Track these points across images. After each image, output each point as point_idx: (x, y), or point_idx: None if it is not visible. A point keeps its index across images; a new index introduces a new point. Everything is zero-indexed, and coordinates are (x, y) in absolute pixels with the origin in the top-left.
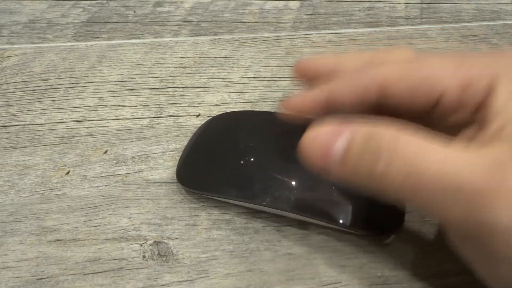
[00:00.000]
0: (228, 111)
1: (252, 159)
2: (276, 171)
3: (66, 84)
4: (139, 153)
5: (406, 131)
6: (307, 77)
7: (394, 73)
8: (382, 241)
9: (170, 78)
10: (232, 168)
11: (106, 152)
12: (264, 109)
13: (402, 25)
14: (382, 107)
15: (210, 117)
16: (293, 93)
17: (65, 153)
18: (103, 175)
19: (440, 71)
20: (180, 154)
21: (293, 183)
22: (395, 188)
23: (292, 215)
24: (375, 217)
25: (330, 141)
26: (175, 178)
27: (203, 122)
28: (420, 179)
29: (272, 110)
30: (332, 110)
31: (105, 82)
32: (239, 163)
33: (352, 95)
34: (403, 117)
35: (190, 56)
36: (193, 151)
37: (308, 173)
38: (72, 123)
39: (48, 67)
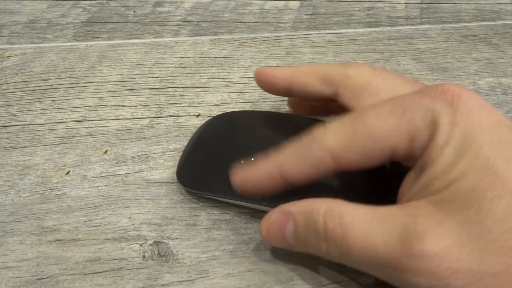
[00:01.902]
0: (228, 111)
1: (252, 159)
2: None
3: (66, 84)
4: (139, 153)
5: (336, 208)
6: (265, 87)
7: (339, 146)
8: None
9: (170, 78)
10: (233, 168)
11: (106, 152)
12: (264, 109)
13: (402, 25)
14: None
15: (210, 117)
16: (243, 166)
17: (65, 153)
18: (103, 175)
19: (383, 131)
20: (180, 154)
21: None
22: (340, 261)
23: None
24: None
25: (281, 228)
26: (175, 178)
27: (203, 122)
28: (351, 255)
29: (272, 110)
30: (291, 184)
31: (105, 82)
32: (239, 163)
33: (308, 169)
34: None
35: (190, 56)
36: (193, 151)
37: None
38: (72, 123)
39: (48, 67)
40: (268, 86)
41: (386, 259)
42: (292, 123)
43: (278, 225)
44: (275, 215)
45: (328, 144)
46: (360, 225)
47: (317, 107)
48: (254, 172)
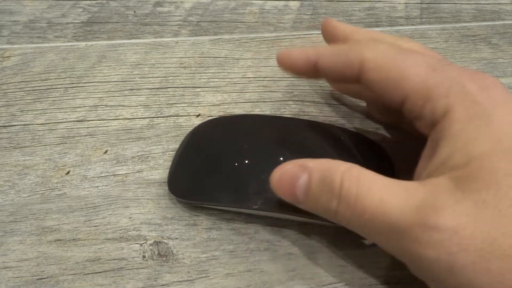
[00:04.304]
0: (228, 111)
1: (241, 164)
2: (267, 174)
3: (66, 84)
4: (139, 153)
5: (356, 170)
6: (327, 36)
7: (373, 59)
8: None
9: (170, 78)
10: (224, 174)
11: (106, 152)
12: (264, 109)
13: (402, 25)
14: (362, 90)
15: (195, 125)
16: (290, 47)
17: (65, 153)
18: (103, 175)
19: (411, 75)
20: None
21: None
22: (346, 223)
23: (291, 217)
24: None
25: (293, 180)
26: None
27: (203, 122)
28: (361, 218)
29: (272, 110)
30: (320, 75)
31: (105, 82)
32: (229, 169)
33: (338, 65)
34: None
35: (190, 56)
36: (182, 161)
37: None
38: (72, 123)
39: (48, 67)
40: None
41: (398, 226)
42: (280, 124)
43: (291, 175)
44: (291, 166)
45: (365, 53)
46: (377, 189)
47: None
48: (297, 52)
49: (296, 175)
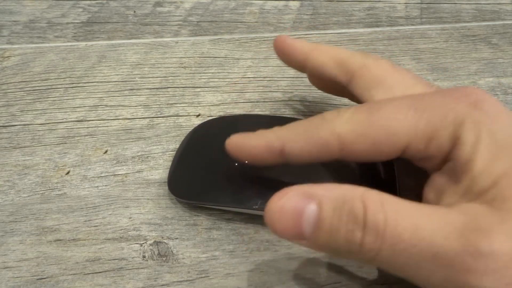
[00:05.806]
0: (228, 111)
1: (241, 164)
2: (268, 174)
3: (66, 84)
4: (139, 153)
5: (376, 194)
6: (281, 56)
7: (351, 130)
8: None
9: (170, 78)
10: (224, 174)
11: (106, 152)
12: (264, 109)
13: (402, 25)
14: (344, 89)
15: (196, 125)
16: (242, 133)
17: (65, 153)
18: (103, 175)
19: (398, 127)
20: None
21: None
22: (373, 257)
23: None
24: None
25: (298, 212)
26: None
27: (203, 122)
28: (395, 248)
29: (271, 110)
30: (286, 160)
31: (105, 82)
32: (229, 169)
33: (310, 148)
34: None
35: (190, 56)
36: (181, 161)
37: (299, 175)
38: (72, 123)
39: (48, 67)
40: (284, 55)
41: (443, 255)
42: (280, 124)
43: (294, 207)
44: (292, 194)
45: (339, 129)
46: (407, 214)
47: (333, 87)
48: (253, 140)
49: (300, 206)
